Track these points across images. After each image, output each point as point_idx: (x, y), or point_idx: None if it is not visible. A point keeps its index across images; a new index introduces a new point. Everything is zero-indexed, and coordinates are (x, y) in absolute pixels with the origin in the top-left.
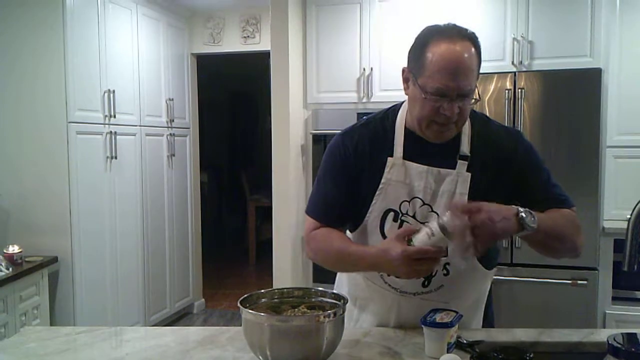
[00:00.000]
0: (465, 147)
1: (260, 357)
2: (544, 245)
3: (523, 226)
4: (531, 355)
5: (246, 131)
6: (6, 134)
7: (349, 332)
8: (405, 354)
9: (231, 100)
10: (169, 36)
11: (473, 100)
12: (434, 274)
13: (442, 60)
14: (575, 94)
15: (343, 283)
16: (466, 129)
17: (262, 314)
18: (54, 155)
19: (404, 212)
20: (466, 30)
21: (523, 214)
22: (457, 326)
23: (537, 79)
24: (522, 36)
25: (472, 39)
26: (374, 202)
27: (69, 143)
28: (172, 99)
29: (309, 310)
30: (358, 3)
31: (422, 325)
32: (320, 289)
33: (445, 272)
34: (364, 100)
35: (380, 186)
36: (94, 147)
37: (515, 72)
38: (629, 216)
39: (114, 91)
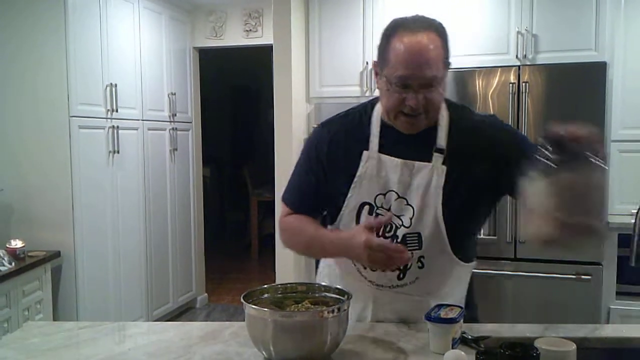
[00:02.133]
0: (441, 140)
1: (264, 353)
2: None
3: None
4: (537, 352)
5: (248, 125)
6: (8, 128)
7: (352, 328)
8: (409, 350)
9: (233, 94)
10: (171, 30)
11: (438, 94)
12: (408, 266)
13: (404, 50)
14: (579, 88)
15: (324, 269)
16: (444, 121)
17: (266, 309)
18: (56, 150)
19: (379, 205)
20: (432, 20)
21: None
22: (461, 322)
23: (541, 72)
24: (526, 29)
25: (437, 29)
26: (349, 195)
27: (71, 137)
28: (175, 93)
29: (312, 306)
30: None
31: (427, 321)
32: (324, 284)
33: (420, 264)
34: (367, 94)
35: (355, 179)
36: (96, 142)
37: (519, 66)
38: (634, 210)
39: (116, 85)
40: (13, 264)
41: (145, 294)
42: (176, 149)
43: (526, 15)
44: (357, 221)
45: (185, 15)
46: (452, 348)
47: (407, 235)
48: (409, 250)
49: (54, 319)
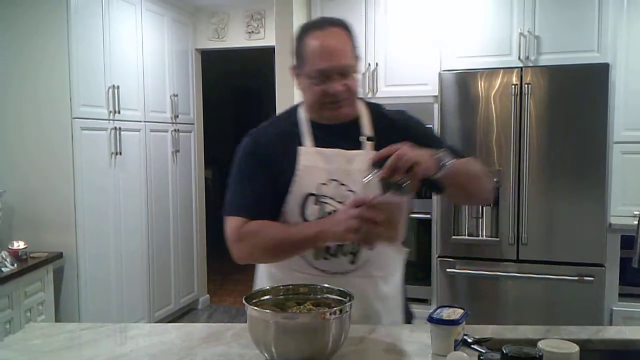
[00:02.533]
0: (367, 130)
1: (266, 355)
2: (463, 186)
3: (441, 164)
4: (540, 354)
5: (250, 127)
6: (11, 130)
7: (354, 329)
8: (411, 352)
9: (235, 96)
10: (173, 32)
11: (355, 79)
12: (359, 249)
13: (317, 45)
14: (582, 90)
15: (264, 282)
16: (364, 114)
17: (268, 310)
18: (58, 151)
19: (322, 194)
20: (337, 19)
21: (438, 153)
22: (464, 323)
23: (544, 74)
24: (528, 31)
25: (341, 24)
26: (292, 189)
27: (74, 139)
28: (177, 95)
29: (314, 307)
30: None
31: (429, 323)
32: (326, 285)
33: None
34: (369, 95)
35: (296, 172)
36: (98, 143)
37: (521, 67)
38: (637, 212)
39: (118, 87)
40: (15, 265)
41: (147, 296)
42: (178, 151)
43: (528, 17)
44: (303, 213)
45: (188, 17)
46: (454, 350)
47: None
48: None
49: (56, 320)
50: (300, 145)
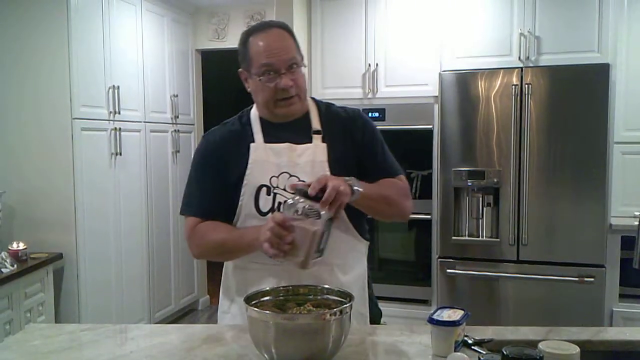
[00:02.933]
0: (316, 124)
1: (266, 356)
2: (374, 208)
3: (352, 191)
4: (541, 355)
5: None
6: (11, 130)
7: (354, 330)
8: (411, 353)
9: (236, 97)
10: (173, 32)
11: (302, 72)
12: None
13: (261, 44)
14: (582, 90)
15: (229, 276)
16: (313, 110)
17: (267, 312)
18: (58, 152)
19: (274, 186)
20: (276, 21)
21: (348, 180)
22: (464, 324)
23: (544, 74)
24: (529, 31)
25: (282, 26)
26: (244, 182)
27: (74, 139)
28: (177, 95)
29: (314, 308)
30: None
31: (429, 324)
32: (326, 286)
33: None
34: (369, 96)
35: (249, 166)
36: (98, 144)
37: (522, 68)
38: (637, 213)
39: (118, 87)
40: (15, 266)
41: (147, 296)
42: (178, 151)
43: (529, 17)
44: (257, 204)
45: (188, 17)
46: (455, 351)
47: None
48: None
49: (56, 321)
50: (252, 142)
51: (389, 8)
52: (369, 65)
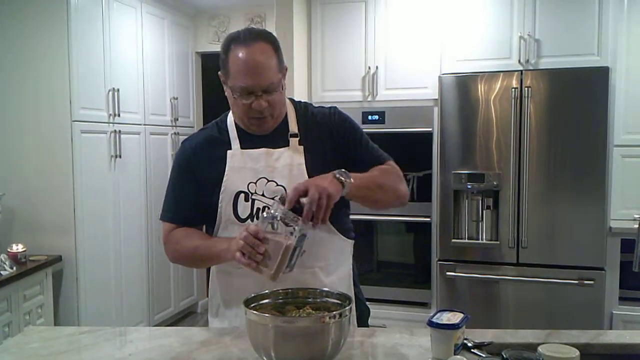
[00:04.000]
0: (293, 127)
1: (265, 359)
2: (370, 198)
3: (342, 184)
4: (541, 358)
5: None
6: (10, 132)
7: (354, 333)
8: (411, 356)
9: None
10: (173, 34)
11: (279, 95)
12: None
13: (240, 63)
14: (582, 93)
15: (214, 281)
16: (291, 113)
17: (267, 314)
18: (58, 154)
19: (252, 191)
20: (262, 31)
21: (337, 174)
22: (464, 327)
23: (544, 77)
24: (528, 34)
25: (266, 38)
26: (222, 189)
27: (73, 142)
28: (177, 98)
29: (313, 311)
30: (363, 1)
31: (429, 326)
32: (325, 289)
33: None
34: (369, 99)
35: (226, 173)
36: (98, 146)
37: (521, 71)
38: (637, 216)
39: (118, 90)
40: (14, 268)
41: (147, 299)
42: None
43: (529, 20)
44: (235, 210)
45: (188, 20)
46: (455, 354)
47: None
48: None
49: (55, 324)
50: (229, 149)
51: (389, 11)
52: (369, 68)
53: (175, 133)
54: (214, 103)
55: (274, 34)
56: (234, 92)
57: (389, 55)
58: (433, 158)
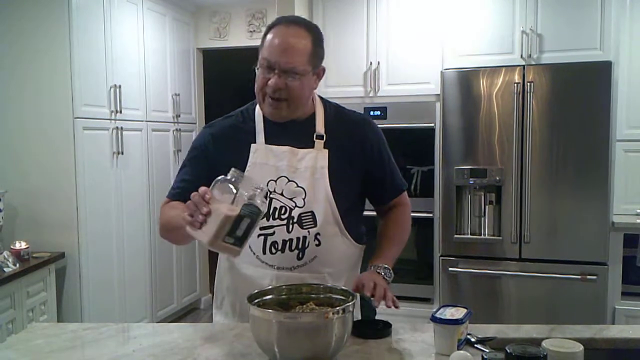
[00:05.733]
0: (320, 128)
1: (268, 355)
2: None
3: (384, 276)
4: (545, 353)
5: None
6: (12, 130)
7: None
8: (414, 351)
9: (237, 95)
10: (174, 31)
11: (298, 83)
12: (306, 245)
13: (273, 38)
14: (584, 88)
15: (221, 275)
16: (320, 112)
17: (270, 310)
18: (60, 151)
19: (271, 190)
20: (308, 21)
21: (382, 273)
22: (467, 323)
23: (546, 72)
24: (531, 29)
25: (308, 27)
26: None
27: (75, 139)
28: (178, 94)
29: (317, 307)
30: None
31: (432, 322)
32: (329, 285)
33: (317, 242)
34: (371, 94)
35: (247, 168)
36: (100, 143)
37: (524, 66)
38: (639, 211)
39: (119, 86)
40: (17, 265)
41: (150, 295)
42: (180, 150)
43: (531, 15)
44: None
45: (189, 16)
46: (458, 349)
47: (302, 215)
48: (305, 228)
49: (59, 320)
50: (253, 141)
51: (390, 6)
52: (371, 63)
53: (177, 129)
54: (215, 99)
55: None
56: (259, 64)
57: (391, 51)
58: (435, 153)
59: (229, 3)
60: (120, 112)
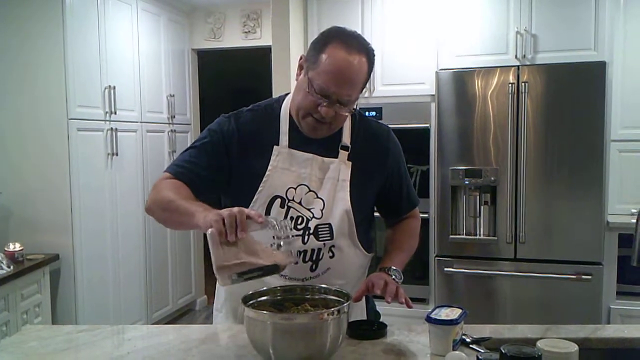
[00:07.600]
0: (346, 138)
1: (263, 356)
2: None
3: (394, 278)
4: (539, 353)
5: None
6: (7, 131)
7: None
8: (409, 352)
9: (232, 96)
10: (169, 32)
11: (348, 112)
12: (320, 257)
13: (334, 64)
14: (579, 88)
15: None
16: (347, 121)
17: (265, 311)
18: (54, 152)
19: (290, 198)
20: (367, 44)
21: (392, 275)
22: (462, 323)
23: (541, 72)
24: (525, 29)
25: (369, 55)
26: (259, 189)
27: (70, 140)
28: (173, 95)
29: (312, 308)
30: None
31: (427, 322)
32: (324, 285)
33: (331, 254)
34: (366, 95)
35: (267, 172)
36: (94, 144)
37: (518, 66)
38: (634, 210)
39: (114, 87)
40: (11, 267)
41: (145, 297)
42: (175, 151)
43: (525, 15)
44: (267, 214)
45: (184, 17)
46: (453, 350)
47: (319, 226)
48: (321, 240)
49: (53, 322)
50: (276, 144)
51: (385, 6)
52: None
53: (172, 130)
54: (210, 100)
55: (270, 30)
56: (312, 85)
57: (386, 51)
58: (430, 154)
59: (224, 4)
60: (115, 113)
